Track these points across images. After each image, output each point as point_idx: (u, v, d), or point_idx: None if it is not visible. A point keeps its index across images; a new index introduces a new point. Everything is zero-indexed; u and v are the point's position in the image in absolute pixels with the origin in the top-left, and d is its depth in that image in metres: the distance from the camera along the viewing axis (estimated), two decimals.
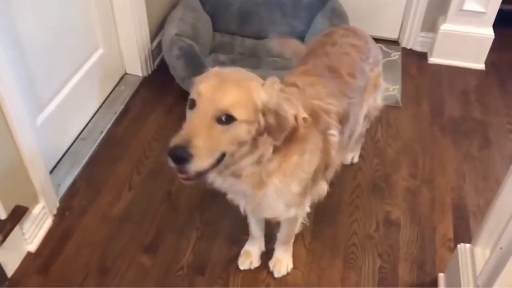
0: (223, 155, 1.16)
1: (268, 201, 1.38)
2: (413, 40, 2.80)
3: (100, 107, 2.34)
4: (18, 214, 1.62)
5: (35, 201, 1.76)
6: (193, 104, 1.14)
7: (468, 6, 2.51)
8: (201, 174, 1.15)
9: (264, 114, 1.16)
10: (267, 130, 1.18)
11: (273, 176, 1.30)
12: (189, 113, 1.16)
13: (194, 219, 1.87)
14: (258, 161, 1.24)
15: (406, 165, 2.12)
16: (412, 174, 2.08)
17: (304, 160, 1.33)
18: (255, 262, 1.73)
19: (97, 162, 2.09)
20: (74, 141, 2.16)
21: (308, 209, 1.55)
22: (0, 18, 1.58)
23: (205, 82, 1.14)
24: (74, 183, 1.99)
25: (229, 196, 1.49)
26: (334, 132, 1.42)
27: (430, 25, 2.72)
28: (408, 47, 2.83)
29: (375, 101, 1.81)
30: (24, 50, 1.74)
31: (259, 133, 1.18)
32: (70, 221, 1.85)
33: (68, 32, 2.01)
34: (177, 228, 1.84)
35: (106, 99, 2.39)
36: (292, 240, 1.71)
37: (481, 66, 2.70)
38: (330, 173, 1.54)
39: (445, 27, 2.62)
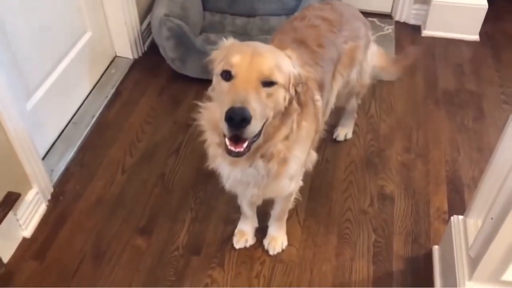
0: (263, 125, 1.16)
1: (283, 179, 1.38)
2: (407, 13, 2.77)
3: (91, 90, 2.32)
4: (10, 200, 1.62)
5: (28, 187, 1.76)
6: (228, 75, 1.13)
7: None
8: (251, 144, 1.16)
9: (293, 84, 1.20)
10: (296, 98, 1.23)
11: (294, 148, 1.32)
12: (224, 84, 1.14)
13: (188, 200, 1.87)
14: (290, 134, 1.26)
15: (400, 139, 2.11)
16: (406, 148, 2.07)
17: (309, 126, 1.37)
18: (250, 240, 1.74)
19: (90, 146, 2.08)
20: (66, 125, 2.15)
21: (301, 183, 1.55)
22: None
23: (237, 53, 1.14)
24: (67, 168, 1.99)
25: (231, 188, 1.47)
26: (318, 98, 1.44)
27: None
28: (402, 21, 2.80)
29: (360, 77, 1.79)
30: (9, 34, 1.71)
31: (289, 101, 1.21)
32: (64, 206, 1.85)
33: (55, 16, 1.98)
34: (171, 210, 1.84)
35: (97, 83, 2.37)
36: (286, 216, 1.71)
37: (475, 37, 2.67)
38: (317, 139, 1.55)
39: None
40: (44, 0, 1.90)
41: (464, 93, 2.34)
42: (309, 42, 1.52)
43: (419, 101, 2.30)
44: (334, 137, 2.09)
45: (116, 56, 2.52)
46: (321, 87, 1.48)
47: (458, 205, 1.85)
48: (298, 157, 1.36)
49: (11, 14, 1.72)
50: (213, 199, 1.88)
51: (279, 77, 1.14)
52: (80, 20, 2.17)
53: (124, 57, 2.52)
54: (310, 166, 1.56)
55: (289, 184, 1.45)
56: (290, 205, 1.65)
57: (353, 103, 1.99)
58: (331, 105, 1.68)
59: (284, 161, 1.32)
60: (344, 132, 2.09)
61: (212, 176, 1.93)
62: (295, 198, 1.63)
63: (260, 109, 1.10)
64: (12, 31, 1.73)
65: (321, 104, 1.47)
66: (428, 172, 1.97)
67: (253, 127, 1.09)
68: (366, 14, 2.76)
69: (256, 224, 1.76)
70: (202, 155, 1.98)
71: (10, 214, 1.64)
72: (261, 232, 1.75)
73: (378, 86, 2.33)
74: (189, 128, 2.10)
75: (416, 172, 1.97)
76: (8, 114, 1.59)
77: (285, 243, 1.73)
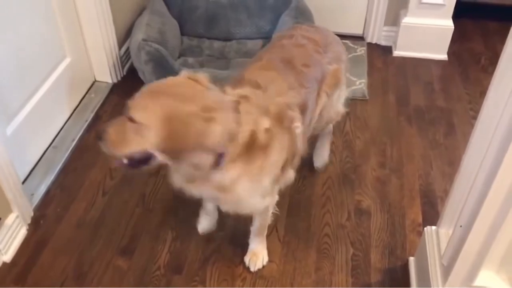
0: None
1: (242, 201, 1.45)
2: (378, 35, 2.88)
3: (71, 115, 2.35)
4: None
5: (8, 211, 1.76)
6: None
7: None
8: (126, 165, 1.31)
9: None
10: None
11: (239, 182, 1.35)
12: None
13: (169, 220, 1.90)
14: (196, 169, 1.29)
15: (374, 155, 2.18)
16: (381, 164, 2.14)
17: (269, 162, 1.39)
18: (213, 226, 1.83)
19: (70, 169, 2.10)
20: (46, 149, 2.16)
21: (277, 197, 1.60)
22: None
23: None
24: (48, 191, 1.99)
25: (203, 198, 1.54)
26: (298, 124, 1.48)
27: (393, 19, 2.80)
28: (373, 42, 2.91)
29: (337, 103, 1.85)
30: None
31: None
32: (45, 229, 1.85)
33: (34, 42, 2.02)
34: (153, 230, 1.86)
35: (76, 107, 2.39)
36: (265, 231, 1.74)
37: (443, 56, 2.78)
38: (297, 161, 1.59)
39: (407, 20, 2.69)
40: (22, 26, 1.93)
41: (435, 110, 2.44)
42: (295, 62, 1.59)
43: (392, 118, 2.38)
44: (315, 166, 2.07)
45: (95, 81, 2.56)
46: (303, 109, 1.53)
47: (432, 217, 1.91)
48: (247, 189, 1.38)
49: None
50: (194, 218, 1.90)
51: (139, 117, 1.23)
52: (59, 45, 2.21)
53: (104, 82, 2.55)
54: (284, 185, 1.60)
55: (260, 201, 1.49)
56: (269, 220, 1.69)
57: (329, 127, 2.02)
58: (314, 120, 1.75)
59: (224, 190, 1.37)
60: (323, 159, 2.08)
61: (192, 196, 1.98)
62: (274, 213, 1.67)
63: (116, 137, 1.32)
64: None
65: (301, 129, 1.50)
66: (403, 186, 2.04)
67: (105, 147, 1.32)
68: (340, 36, 2.88)
69: (216, 216, 1.83)
70: None
71: None
72: (242, 248, 1.77)
73: (352, 104, 2.41)
74: None
75: (391, 187, 2.04)
76: None
77: (266, 258, 1.76)
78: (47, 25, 2.09)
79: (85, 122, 2.32)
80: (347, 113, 2.35)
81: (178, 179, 1.43)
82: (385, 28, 2.84)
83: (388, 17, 2.80)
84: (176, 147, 1.21)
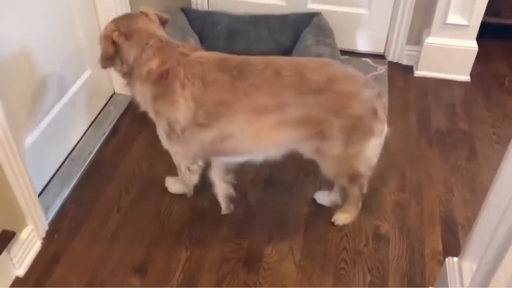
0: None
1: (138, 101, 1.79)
2: (399, 54, 2.84)
3: (89, 127, 2.35)
4: (5, 239, 1.61)
5: (23, 224, 1.75)
6: None
7: (451, 19, 2.55)
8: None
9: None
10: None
11: (135, 87, 1.76)
12: None
13: (184, 238, 1.87)
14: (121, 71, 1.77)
15: (394, 178, 2.13)
16: (400, 188, 2.09)
17: (150, 88, 1.71)
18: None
19: (87, 183, 2.09)
20: (63, 162, 2.16)
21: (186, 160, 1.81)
22: None
23: None
24: (63, 205, 1.98)
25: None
26: (182, 102, 1.61)
27: (415, 38, 2.76)
28: (395, 61, 2.87)
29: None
30: (12, 71, 1.75)
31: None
32: (59, 244, 1.84)
33: (55, 55, 2.03)
34: (167, 248, 1.83)
35: (95, 119, 2.39)
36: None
37: (466, 78, 2.73)
38: (178, 129, 1.68)
39: (430, 40, 2.65)
40: (46, 40, 1.94)
41: (457, 133, 2.38)
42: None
43: (412, 140, 2.34)
44: (332, 220, 1.92)
45: (114, 93, 2.56)
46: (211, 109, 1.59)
47: (453, 246, 1.86)
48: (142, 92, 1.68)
49: (13, 54, 1.76)
50: (208, 238, 1.87)
51: None
52: (80, 58, 2.22)
53: (122, 94, 2.55)
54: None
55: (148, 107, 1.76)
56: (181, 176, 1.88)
57: (354, 190, 1.83)
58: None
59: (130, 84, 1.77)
60: (344, 217, 1.92)
61: (207, 215, 1.96)
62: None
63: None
64: (15, 67, 1.77)
65: (185, 109, 1.59)
66: (422, 212, 1.99)
67: None
68: (360, 54, 2.88)
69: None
70: (198, 193, 2.03)
71: (4, 252, 1.62)
72: (256, 271, 1.74)
73: None
74: None
75: (410, 212, 1.99)
76: (6, 150, 1.60)
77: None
78: (68, 39, 2.10)
79: (103, 135, 2.32)
80: None
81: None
82: (407, 47, 2.80)
83: (411, 36, 2.76)
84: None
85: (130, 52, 1.62)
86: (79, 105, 2.26)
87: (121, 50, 1.63)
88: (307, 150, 1.64)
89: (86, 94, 2.29)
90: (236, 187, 2.00)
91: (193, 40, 1.75)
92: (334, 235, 1.89)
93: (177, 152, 1.78)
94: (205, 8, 2.91)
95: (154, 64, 1.59)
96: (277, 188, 2.08)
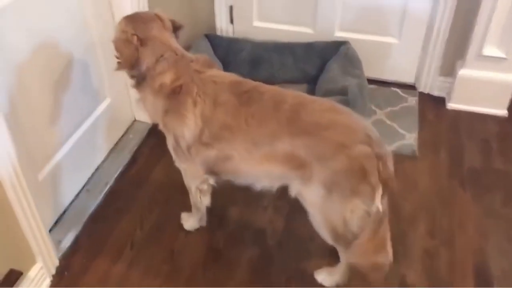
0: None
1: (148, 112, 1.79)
2: (431, 85, 2.71)
3: (107, 156, 2.30)
4: (11, 279, 1.55)
5: (32, 262, 1.69)
6: None
7: (487, 51, 2.41)
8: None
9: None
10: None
11: (146, 99, 1.76)
12: None
13: (197, 280, 1.78)
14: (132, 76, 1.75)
15: (423, 222, 1.99)
16: (430, 233, 1.95)
17: (161, 100, 1.69)
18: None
19: (101, 216, 2.03)
20: (79, 192, 2.11)
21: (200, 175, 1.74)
22: (6, 76, 1.57)
23: None
24: (76, 239, 1.93)
25: None
26: (191, 118, 1.59)
27: (448, 69, 2.62)
28: (426, 92, 2.74)
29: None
30: (30, 103, 1.72)
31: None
32: (68, 282, 1.78)
33: (75, 85, 1.99)
34: None
35: (113, 148, 2.35)
36: (194, 208, 1.90)
37: (503, 112, 2.58)
38: (183, 145, 1.65)
39: (464, 72, 2.51)
40: (67, 70, 1.91)
41: (492, 173, 2.23)
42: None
43: (443, 180, 2.19)
44: (316, 277, 1.77)
45: (135, 120, 2.52)
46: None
47: None
48: (152, 104, 1.66)
49: (34, 87, 1.73)
50: (223, 280, 1.78)
51: None
52: (100, 87, 2.18)
53: (143, 122, 2.50)
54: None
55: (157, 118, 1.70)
56: (194, 198, 1.83)
57: (341, 254, 1.67)
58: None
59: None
60: (323, 277, 1.75)
61: (223, 256, 1.87)
62: None
63: None
64: (34, 98, 1.74)
65: (193, 130, 1.58)
66: (454, 262, 1.84)
67: None
68: (390, 84, 2.76)
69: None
70: (213, 232, 1.94)
71: None
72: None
73: (399, 160, 2.23)
74: None
75: (441, 261, 1.84)
76: (15, 187, 1.55)
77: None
78: (89, 68, 2.06)
79: (121, 165, 2.26)
80: (395, 171, 2.20)
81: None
82: (440, 78, 2.67)
83: (443, 67, 2.62)
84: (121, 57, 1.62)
85: (144, 59, 1.59)
86: (98, 134, 2.21)
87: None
88: (292, 189, 1.57)
89: (105, 123, 2.25)
90: (253, 224, 1.91)
91: (206, 55, 1.72)
92: (357, 284, 1.76)
93: (186, 171, 1.76)
94: (230, 35, 2.85)
95: (168, 78, 1.57)
96: (298, 230, 1.97)
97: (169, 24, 1.68)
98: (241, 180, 1.70)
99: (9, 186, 1.52)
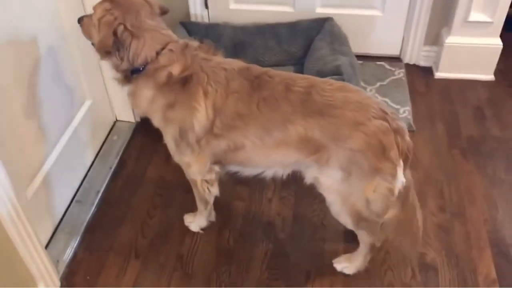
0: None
1: (141, 109, 1.62)
2: (416, 55, 2.67)
3: (93, 162, 2.15)
4: None
5: (33, 286, 1.56)
6: None
7: (474, 17, 2.37)
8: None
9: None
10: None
11: (140, 91, 1.60)
12: None
13: (212, 283, 1.69)
14: (118, 69, 1.58)
15: (432, 197, 1.96)
16: (440, 207, 1.93)
17: (161, 94, 1.57)
18: None
19: (97, 227, 1.90)
20: (69, 205, 1.97)
21: (205, 171, 1.64)
22: None
23: None
24: (75, 255, 1.79)
25: None
26: (202, 107, 1.49)
27: (434, 38, 2.59)
28: (411, 63, 2.69)
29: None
30: (8, 120, 1.55)
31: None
32: None
33: (54, 90, 1.83)
34: None
35: (98, 153, 2.20)
36: (200, 206, 1.80)
37: (490, 77, 2.57)
38: (192, 138, 1.54)
39: (450, 39, 2.48)
40: (42, 75, 1.74)
41: (490, 140, 2.22)
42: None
43: (444, 152, 2.17)
44: (335, 266, 1.72)
45: (116, 121, 2.36)
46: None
47: (507, 270, 1.70)
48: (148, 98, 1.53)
49: (9, 96, 1.56)
50: (239, 281, 1.70)
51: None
52: (79, 89, 2.02)
53: (126, 121, 2.36)
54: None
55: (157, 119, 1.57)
56: (202, 194, 1.72)
57: (362, 237, 1.62)
58: None
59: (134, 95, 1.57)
60: (345, 265, 1.71)
61: (235, 255, 1.78)
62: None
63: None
64: (11, 115, 1.57)
65: (205, 115, 1.47)
66: (469, 234, 1.82)
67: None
68: (376, 58, 2.70)
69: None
70: (221, 232, 1.85)
71: None
72: None
73: None
74: None
75: (456, 235, 1.82)
76: (7, 205, 1.40)
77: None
78: (66, 70, 1.90)
79: (110, 169, 2.12)
80: None
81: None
82: (425, 48, 2.63)
83: (428, 36, 2.58)
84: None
85: (140, 52, 1.46)
86: (82, 139, 2.06)
87: (124, 47, 1.45)
88: (307, 176, 1.51)
89: (88, 126, 2.09)
90: (261, 219, 1.83)
91: (210, 41, 1.58)
92: (377, 269, 1.72)
93: (189, 165, 1.62)
94: (206, 20, 2.71)
95: (176, 69, 1.46)
96: (308, 218, 1.90)
97: (157, 10, 1.54)
98: (251, 170, 1.62)
99: (2, 208, 1.38)
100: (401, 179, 1.41)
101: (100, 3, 1.48)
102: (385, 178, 1.38)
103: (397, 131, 1.37)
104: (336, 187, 1.44)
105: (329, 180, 1.45)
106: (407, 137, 1.42)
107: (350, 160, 1.37)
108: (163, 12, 1.57)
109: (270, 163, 1.54)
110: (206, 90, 1.46)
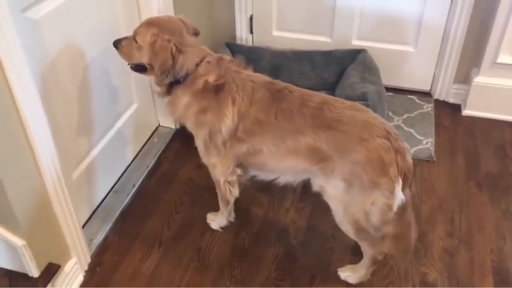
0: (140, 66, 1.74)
1: (179, 113, 1.81)
2: (446, 92, 2.77)
3: (133, 159, 2.38)
4: (50, 272, 1.63)
5: (68, 257, 1.77)
6: None
7: (502, 59, 2.47)
8: (131, 68, 1.79)
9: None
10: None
11: (180, 100, 1.79)
12: None
13: (224, 277, 1.85)
14: (160, 84, 1.79)
15: (442, 223, 2.05)
16: (449, 233, 2.01)
17: (198, 102, 1.76)
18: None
19: (129, 216, 2.11)
20: (107, 194, 2.19)
21: (229, 173, 1.82)
22: (46, 79, 1.66)
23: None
24: (106, 238, 2.00)
25: None
26: (229, 116, 1.68)
27: (463, 77, 2.69)
28: (441, 99, 2.80)
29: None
30: (64, 107, 1.81)
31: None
32: (100, 278, 1.85)
33: (105, 91, 2.08)
34: (207, 287, 1.81)
35: (139, 152, 2.43)
36: (222, 205, 1.98)
37: None
38: (220, 140, 1.73)
39: (479, 79, 2.58)
40: (96, 80, 1.99)
41: (508, 177, 2.28)
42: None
43: (461, 183, 2.25)
44: (339, 274, 1.84)
45: (159, 126, 2.60)
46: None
47: None
48: (188, 105, 1.72)
49: (66, 92, 1.82)
50: (248, 277, 1.84)
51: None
52: (128, 93, 2.27)
53: (167, 127, 2.59)
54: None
55: (192, 122, 1.77)
56: (223, 193, 1.89)
57: (365, 250, 1.74)
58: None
59: (174, 104, 1.78)
60: (348, 274, 1.82)
61: (248, 254, 1.93)
62: None
63: (126, 50, 1.76)
64: (66, 104, 1.83)
65: (231, 123, 1.65)
66: (473, 261, 1.89)
67: (120, 53, 1.79)
68: (406, 91, 2.83)
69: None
70: (238, 233, 2.01)
71: (48, 286, 1.64)
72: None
73: (418, 164, 2.31)
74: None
75: (460, 260, 1.90)
76: (55, 185, 1.63)
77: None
78: (118, 74, 2.15)
79: (147, 167, 2.34)
80: (413, 174, 2.25)
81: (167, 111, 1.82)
82: (455, 85, 2.73)
83: (458, 75, 2.69)
84: (155, 63, 1.67)
85: (184, 65, 1.66)
86: (125, 138, 2.30)
87: (173, 62, 1.66)
88: (314, 184, 1.66)
89: (132, 127, 2.33)
90: (276, 225, 1.97)
91: (241, 57, 1.85)
92: (379, 282, 1.82)
93: (215, 166, 1.81)
94: (250, 44, 2.94)
95: (211, 77, 1.67)
96: (320, 229, 2.03)
97: (191, 30, 1.76)
98: (266, 174, 1.79)
99: (50, 184, 1.61)
100: (399, 196, 1.52)
101: (145, 28, 1.67)
102: (383, 194, 1.50)
103: (398, 151, 1.50)
104: (339, 196, 1.58)
105: (332, 189, 1.59)
106: (409, 158, 1.54)
107: (351, 172, 1.51)
108: (195, 33, 1.78)
109: (283, 169, 1.70)
110: (234, 98, 1.65)
